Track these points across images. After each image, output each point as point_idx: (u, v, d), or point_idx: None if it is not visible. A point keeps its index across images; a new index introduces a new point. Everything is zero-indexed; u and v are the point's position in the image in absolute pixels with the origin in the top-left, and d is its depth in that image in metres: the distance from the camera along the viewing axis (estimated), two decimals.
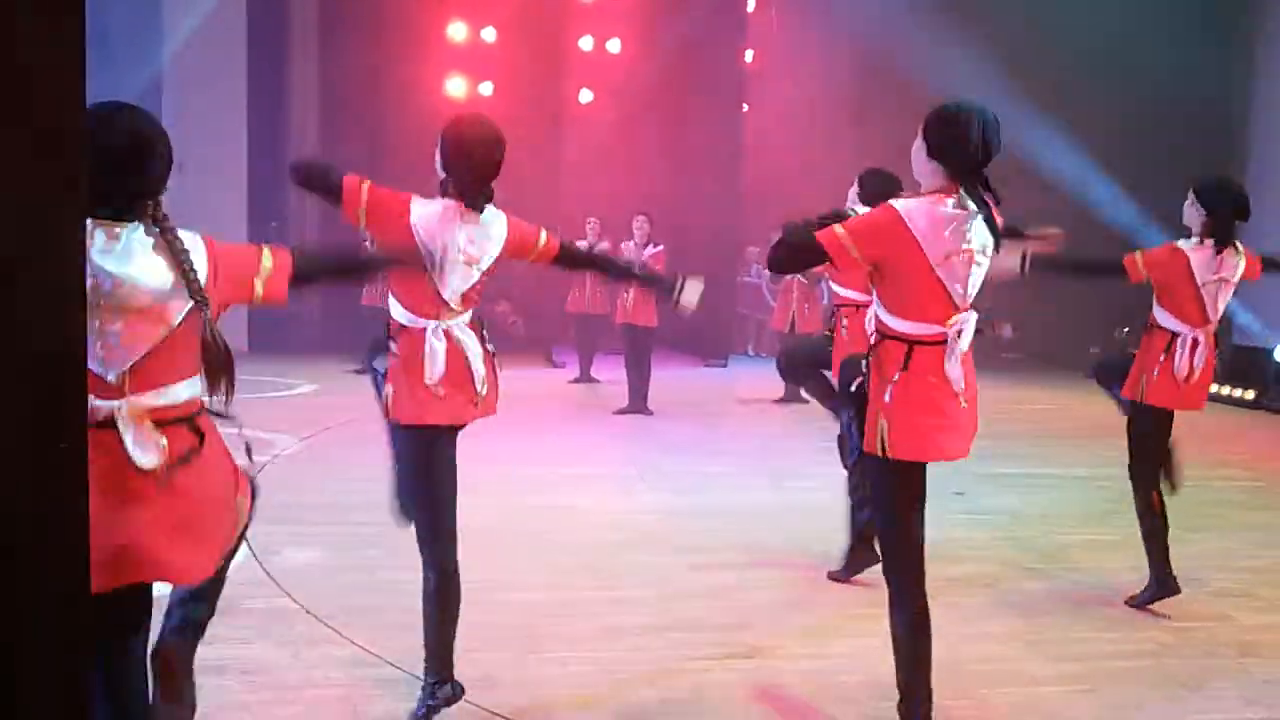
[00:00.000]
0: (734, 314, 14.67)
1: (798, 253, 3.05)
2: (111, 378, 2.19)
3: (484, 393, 3.27)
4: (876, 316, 3.06)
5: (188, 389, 2.31)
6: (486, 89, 14.85)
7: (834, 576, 4.93)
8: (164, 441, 2.23)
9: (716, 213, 13.83)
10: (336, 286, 2.78)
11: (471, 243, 3.21)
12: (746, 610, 4.58)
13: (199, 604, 2.65)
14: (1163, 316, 4.49)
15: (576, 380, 11.39)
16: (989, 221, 2.95)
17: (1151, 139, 13.02)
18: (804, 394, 6.23)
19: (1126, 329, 13.30)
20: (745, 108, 14.59)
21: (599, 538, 5.60)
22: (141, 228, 2.27)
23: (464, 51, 14.72)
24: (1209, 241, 4.40)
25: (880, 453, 2.99)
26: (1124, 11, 12.98)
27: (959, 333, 2.95)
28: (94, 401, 2.15)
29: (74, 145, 1.42)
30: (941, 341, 2.94)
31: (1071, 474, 7.68)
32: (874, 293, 3.07)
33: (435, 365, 3.16)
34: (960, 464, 3.18)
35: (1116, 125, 13.22)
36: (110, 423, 2.18)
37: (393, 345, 3.24)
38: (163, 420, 2.25)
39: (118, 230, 2.22)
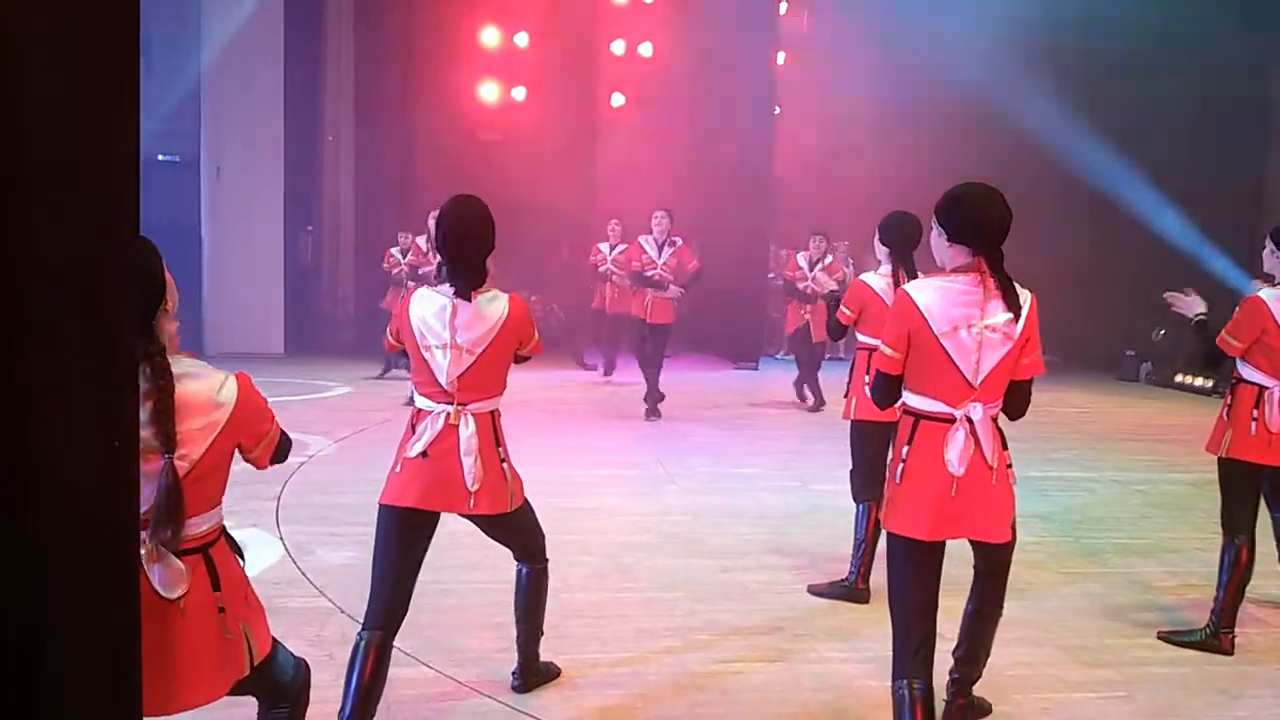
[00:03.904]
0: (764, 316, 14.63)
1: (888, 388, 3.08)
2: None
3: (475, 488, 3.22)
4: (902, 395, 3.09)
5: (207, 521, 2.34)
6: (519, 94, 14.93)
7: (813, 589, 4.90)
8: (186, 570, 2.27)
9: (748, 215, 13.80)
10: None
11: (466, 329, 3.22)
12: (776, 613, 4.58)
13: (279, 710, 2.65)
14: (1248, 370, 4.31)
15: (605, 377, 11.53)
16: (1009, 299, 2.94)
17: (1190, 138, 12.83)
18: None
19: (1163, 330, 13.15)
20: (777, 110, 14.55)
21: (629, 539, 5.61)
22: (145, 370, 2.19)
23: (497, 56, 14.81)
24: None
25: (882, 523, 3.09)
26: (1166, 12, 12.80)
27: (968, 418, 2.95)
28: None
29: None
30: (948, 420, 2.96)
31: (1105, 477, 7.60)
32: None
33: (416, 443, 3.22)
34: None
35: (1151, 123, 13.05)
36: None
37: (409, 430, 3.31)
38: (180, 551, 2.28)
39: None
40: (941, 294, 2.96)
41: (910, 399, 3.04)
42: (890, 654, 3.05)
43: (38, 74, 1.36)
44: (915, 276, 4.71)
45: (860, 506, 4.83)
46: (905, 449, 3.02)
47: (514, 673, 3.69)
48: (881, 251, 4.85)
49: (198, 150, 13.25)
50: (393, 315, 3.42)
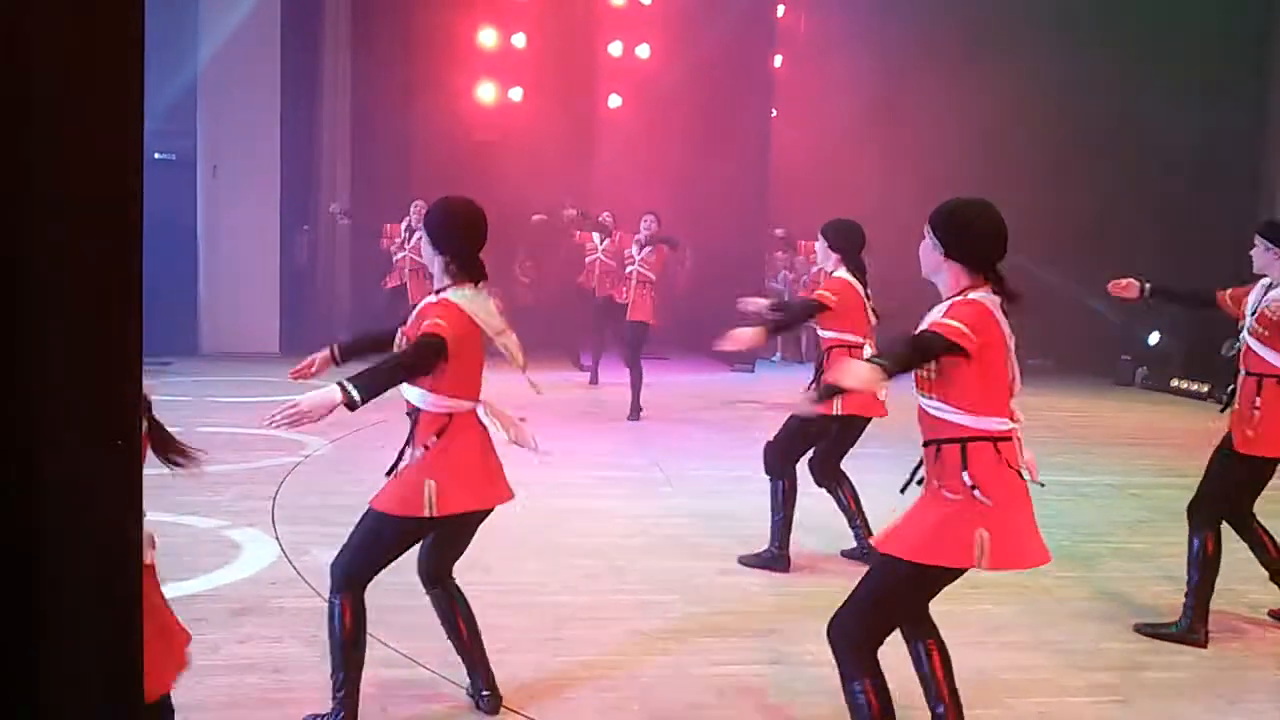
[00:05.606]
0: (761, 319, 14.63)
1: (926, 355, 2.85)
2: None
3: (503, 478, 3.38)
4: (946, 423, 2.85)
5: None
6: (516, 94, 14.92)
7: (743, 559, 5.24)
8: None
9: (744, 217, 13.82)
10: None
11: (492, 314, 3.33)
12: (773, 616, 4.57)
13: None
14: (1275, 357, 4.29)
15: (591, 380, 11.54)
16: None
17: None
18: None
19: (1161, 335, 13.15)
20: (774, 113, 14.55)
21: (625, 541, 5.60)
22: None
23: (494, 57, 14.80)
24: None
25: (968, 562, 2.84)
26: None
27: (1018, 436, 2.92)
28: None
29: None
30: (1008, 437, 2.87)
31: (1101, 482, 7.60)
32: (934, 398, 2.87)
33: (494, 438, 3.34)
34: None
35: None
36: None
37: (433, 440, 3.22)
38: None
39: None
40: (997, 309, 2.88)
41: (979, 422, 2.83)
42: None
43: (42, 70, 1.35)
44: (865, 277, 5.09)
45: (778, 484, 5.15)
46: (976, 477, 2.79)
47: (483, 695, 3.48)
48: (831, 258, 5.01)
49: (194, 149, 13.22)
50: (436, 321, 3.17)
